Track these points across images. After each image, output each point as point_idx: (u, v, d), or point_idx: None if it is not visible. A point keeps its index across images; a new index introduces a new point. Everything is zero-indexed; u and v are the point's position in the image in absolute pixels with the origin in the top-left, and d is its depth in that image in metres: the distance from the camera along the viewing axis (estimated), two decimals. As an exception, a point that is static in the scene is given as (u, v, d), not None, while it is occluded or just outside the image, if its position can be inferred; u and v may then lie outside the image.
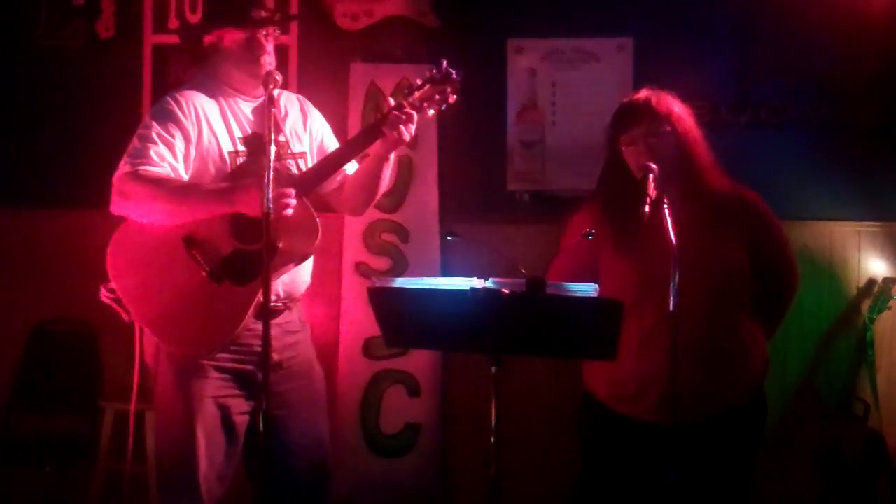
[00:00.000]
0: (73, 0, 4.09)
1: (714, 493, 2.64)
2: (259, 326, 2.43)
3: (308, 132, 2.84)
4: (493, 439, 2.31)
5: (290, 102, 2.85)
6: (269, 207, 2.29)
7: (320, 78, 3.90)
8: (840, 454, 3.59)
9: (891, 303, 3.63)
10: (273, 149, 2.35)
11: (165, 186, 2.55)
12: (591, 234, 2.47)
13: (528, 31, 3.91)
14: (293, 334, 2.76)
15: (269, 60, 2.68)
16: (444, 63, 2.63)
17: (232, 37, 2.67)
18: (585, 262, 2.70)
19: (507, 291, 2.21)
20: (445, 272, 3.82)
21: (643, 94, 2.69)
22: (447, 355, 3.87)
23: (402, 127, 2.58)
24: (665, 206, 2.42)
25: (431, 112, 2.66)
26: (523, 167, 3.93)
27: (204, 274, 2.56)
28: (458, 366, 3.89)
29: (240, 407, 2.66)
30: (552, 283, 2.26)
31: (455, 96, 2.64)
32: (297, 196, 2.54)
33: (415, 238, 3.88)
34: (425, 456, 3.88)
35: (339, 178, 2.82)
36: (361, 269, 3.87)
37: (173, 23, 4.04)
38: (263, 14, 2.69)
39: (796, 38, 3.78)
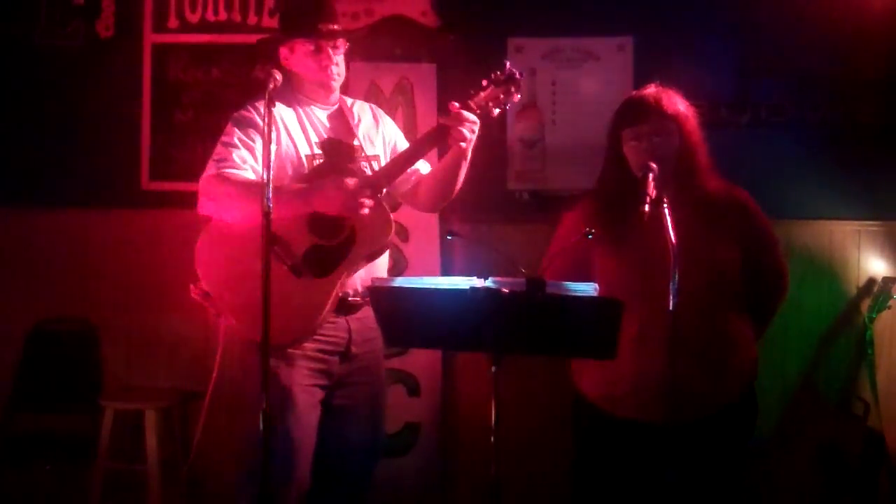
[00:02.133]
0: (73, 0, 4.09)
1: (706, 491, 2.64)
2: (340, 319, 2.77)
3: (380, 136, 2.99)
4: (493, 439, 2.31)
5: (362, 111, 3.01)
6: (268, 207, 2.34)
7: (320, 77, 3.91)
8: (840, 453, 3.60)
9: (891, 302, 3.63)
10: (274, 147, 2.41)
11: (247, 188, 2.70)
12: (592, 234, 2.47)
13: (528, 31, 3.90)
14: (373, 329, 2.83)
15: (336, 71, 2.84)
16: (507, 64, 2.74)
17: (302, 47, 2.80)
18: (579, 259, 2.71)
19: (507, 291, 2.21)
20: (445, 272, 3.82)
21: (652, 90, 2.68)
22: (447, 355, 3.87)
23: (464, 128, 2.70)
24: (665, 205, 2.42)
25: (497, 111, 2.77)
26: (523, 167, 3.93)
27: (286, 268, 2.69)
28: (458, 366, 3.89)
29: (318, 395, 2.80)
30: (552, 282, 2.26)
31: (518, 95, 2.75)
32: (372, 196, 2.68)
33: (415, 238, 3.88)
34: (425, 456, 3.88)
35: (413, 179, 2.96)
36: (361, 269, 3.87)
37: (173, 22, 4.04)
38: (332, 27, 2.81)
39: (796, 38, 3.78)
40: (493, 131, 3.89)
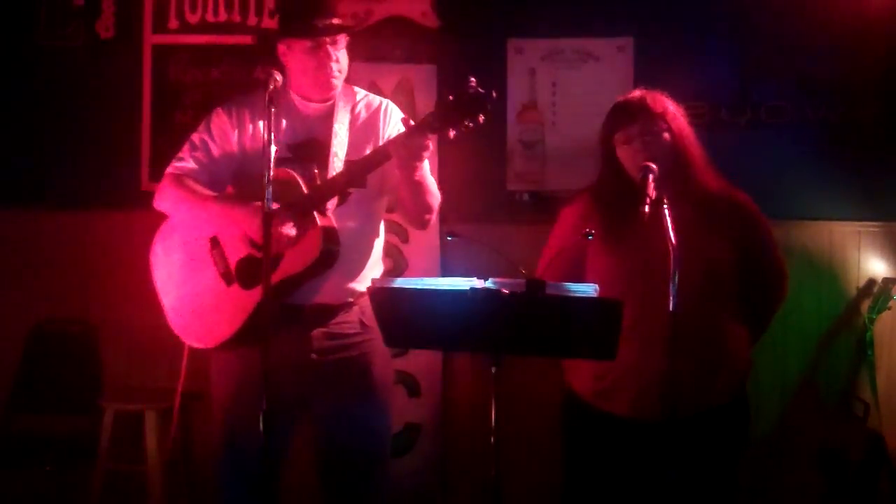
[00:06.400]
0: (74, 0, 4.09)
1: (697, 492, 2.64)
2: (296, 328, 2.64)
3: (372, 143, 2.76)
4: (493, 439, 2.31)
5: (367, 108, 2.82)
6: (269, 208, 2.32)
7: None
8: (840, 454, 3.60)
9: (891, 303, 3.63)
10: (273, 149, 2.37)
11: (191, 194, 2.70)
12: (591, 234, 2.47)
13: (528, 31, 3.91)
14: (345, 337, 2.72)
15: (336, 68, 2.70)
16: (473, 81, 2.42)
17: (300, 44, 2.69)
18: (575, 259, 2.70)
19: (506, 291, 2.21)
20: (445, 272, 3.82)
21: (637, 93, 2.70)
22: (447, 355, 3.87)
23: (406, 153, 2.51)
24: (665, 206, 2.42)
25: (452, 133, 2.47)
26: (523, 167, 3.93)
27: (218, 274, 2.70)
28: (458, 366, 3.89)
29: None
30: (551, 283, 2.26)
31: (483, 117, 2.42)
32: (307, 213, 2.56)
33: (415, 238, 3.88)
34: (425, 456, 3.88)
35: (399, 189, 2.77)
36: (361, 269, 3.87)
37: (173, 23, 4.05)
38: (330, 22, 2.68)
39: (796, 38, 3.78)
40: (493, 132, 3.91)
